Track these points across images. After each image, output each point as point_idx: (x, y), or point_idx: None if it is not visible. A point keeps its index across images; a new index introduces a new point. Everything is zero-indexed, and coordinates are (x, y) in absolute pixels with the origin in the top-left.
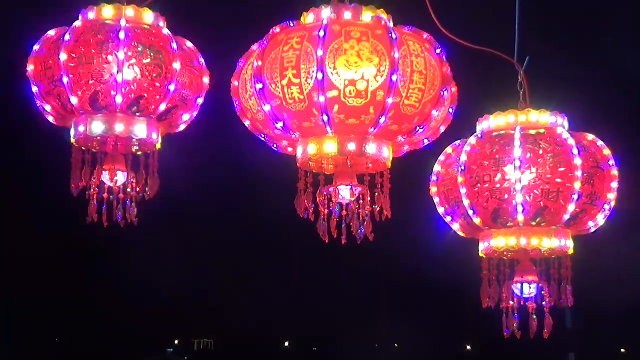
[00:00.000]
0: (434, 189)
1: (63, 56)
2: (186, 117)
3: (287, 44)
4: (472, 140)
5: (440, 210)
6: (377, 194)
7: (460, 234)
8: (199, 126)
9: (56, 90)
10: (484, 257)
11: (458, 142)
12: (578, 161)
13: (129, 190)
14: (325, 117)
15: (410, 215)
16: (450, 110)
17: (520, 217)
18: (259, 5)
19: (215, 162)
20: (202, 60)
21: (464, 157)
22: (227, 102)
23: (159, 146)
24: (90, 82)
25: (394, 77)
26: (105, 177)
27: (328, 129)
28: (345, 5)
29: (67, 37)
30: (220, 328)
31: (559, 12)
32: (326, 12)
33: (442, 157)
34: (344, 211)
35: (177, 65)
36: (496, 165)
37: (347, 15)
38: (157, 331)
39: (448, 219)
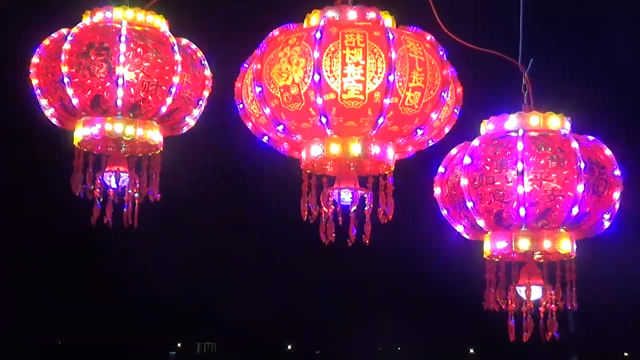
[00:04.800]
0: (437, 191)
1: (64, 58)
2: (188, 119)
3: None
4: (475, 142)
5: (444, 212)
6: (380, 195)
7: (465, 235)
8: (200, 128)
9: (58, 93)
10: (488, 259)
11: (463, 143)
12: (581, 164)
13: (131, 192)
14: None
15: (414, 216)
16: (456, 110)
17: (524, 219)
18: (262, 7)
19: (217, 163)
20: (204, 63)
21: (467, 160)
22: (228, 104)
23: (160, 148)
24: (91, 84)
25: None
26: (108, 178)
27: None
28: (349, 5)
29: (69, 38)
30: (222, 331)
31: (563, 14)
32: (330, 13)
33: (446, 159)
34: (348, 213)
35: (178, 68)
36: (499, 167)
37: (352, 15)
38: (159, 335)
39: (452, 220)
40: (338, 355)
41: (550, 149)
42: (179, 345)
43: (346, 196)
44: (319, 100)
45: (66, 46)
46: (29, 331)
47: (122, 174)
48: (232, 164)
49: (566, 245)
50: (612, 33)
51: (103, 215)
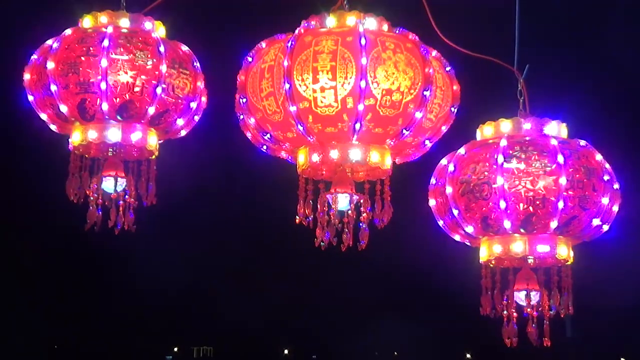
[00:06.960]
0: (432, 201)
1: (50, 65)
2: (181, 121)
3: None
4: (461, 150)
5: (439, 221)
6: (377, 201)
7: (466, 242)
8: (197, 131)
9: (49, 99)
10: (484, 264)
11: (454, 152)
12: (563, 168)
13: (127, 196)
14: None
15: (410, 221)
16: (453, 109)
17: (507, 224)
18: (259, 9)
19: (214, 167)
20: (196, 64)
21: (451, 167)
22: (225, 106)
23: (156, 152)
24: (77, 90)
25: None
26: (104, 183)
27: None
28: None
29: (54, 45)
30: (219, 335)
31: (559, 19)
32: (352, 19)
33: (438, 168)
34: (345, 218)
35: (163, 68)
36: (482, 173)
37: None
38: (156, 339)
39: (447, 228)
40: None
41: (533, 152)
42: (175, 349)
43: (343, 201)
44: (418, 114)
45: (53, 52)
46: (28, 331)
47: (120, 179)
48: (230, 166)
49: (563, 250)
50: (609, 39)
51: (101, 219)
